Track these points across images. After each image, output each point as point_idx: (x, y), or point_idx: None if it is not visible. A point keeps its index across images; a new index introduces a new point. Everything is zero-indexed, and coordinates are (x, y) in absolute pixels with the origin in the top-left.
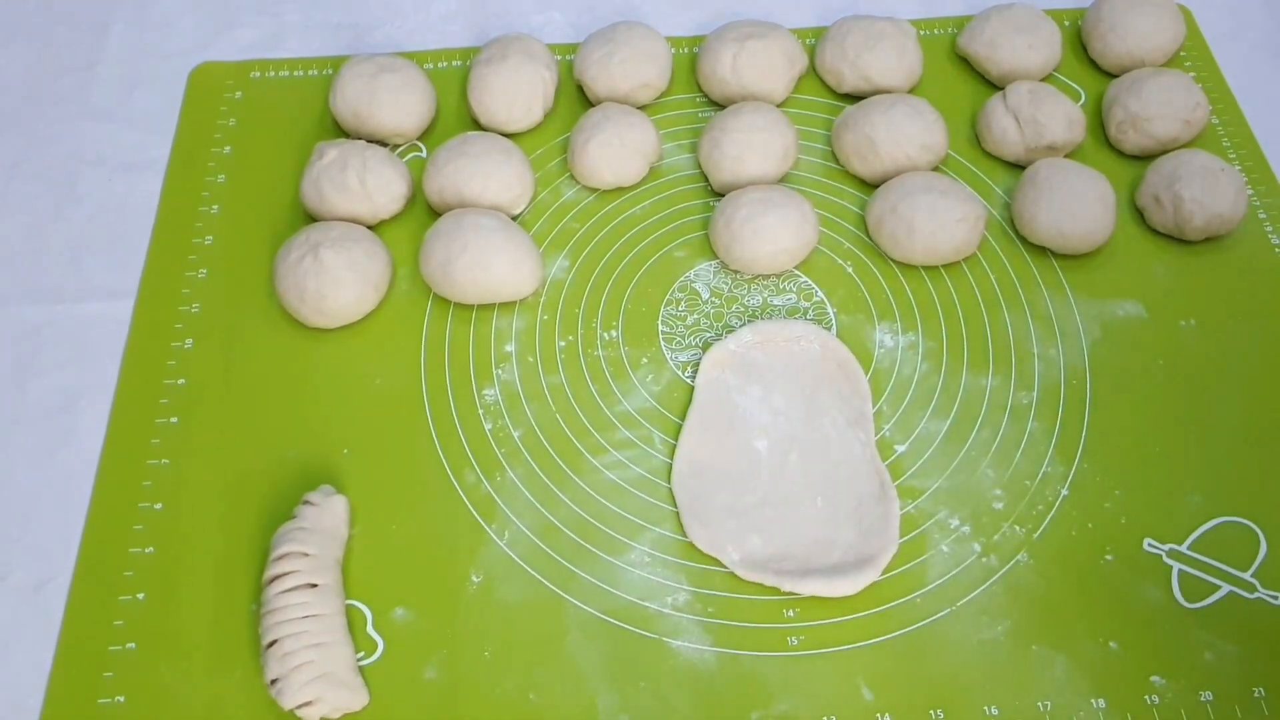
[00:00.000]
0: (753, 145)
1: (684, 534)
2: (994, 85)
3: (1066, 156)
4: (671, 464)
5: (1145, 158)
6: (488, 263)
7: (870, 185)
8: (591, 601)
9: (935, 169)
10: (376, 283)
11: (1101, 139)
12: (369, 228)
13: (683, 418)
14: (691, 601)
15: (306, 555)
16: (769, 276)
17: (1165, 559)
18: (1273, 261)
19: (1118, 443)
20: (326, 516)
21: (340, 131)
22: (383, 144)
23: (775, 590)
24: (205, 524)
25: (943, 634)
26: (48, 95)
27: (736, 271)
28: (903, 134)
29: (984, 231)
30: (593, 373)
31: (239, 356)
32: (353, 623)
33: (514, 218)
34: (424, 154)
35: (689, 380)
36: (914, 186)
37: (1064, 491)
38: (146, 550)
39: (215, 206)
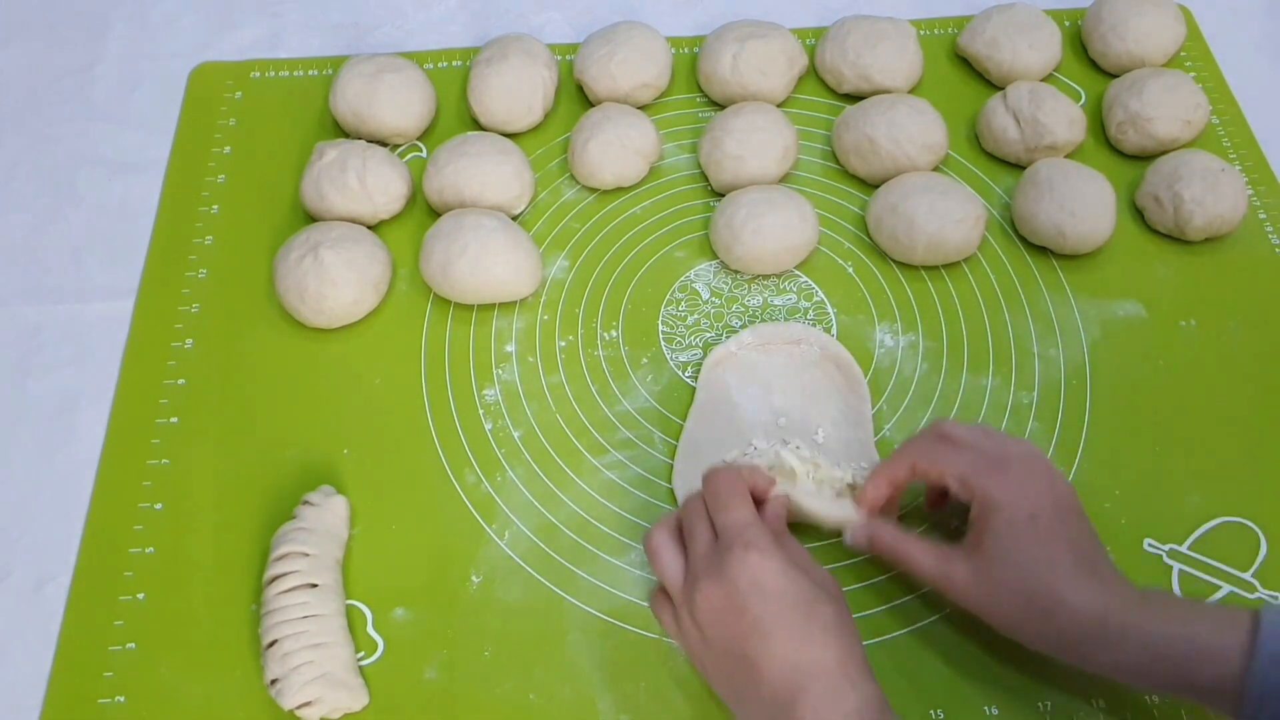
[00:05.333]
0: (753, 145)
1: None
2: (994, 85)
3: (1066, 156)
4: (672, 464)
5: (1145, 158)
6: (488, 263)
7: (870, 185)
8: (591, 601)
9: (935, 169)
10: (376, 283)
11: (1101, 139)
12: (369, 228)
13: (683, 418)
14: None
15: (306, 555)
16: (769, 276)
17: (1165, 559)
18: (1273, 261)
19: (1118, 443)
20: (326, 516)
21: (340, 131)
22: (383, 144)
23: None
24: (205, 524)
25: (943, 634)
26: (48, 95)
27: (736, 271)
28: (903, 134)
29: (984, 231)
30: (593, 373)
31: (239, 356)
32: (353, 623)
33: (514, 218)
34: (424, 154)
35: (689, 380)
36: (914, 186)
37: None
38: (146, 550)
39: (215, 206)
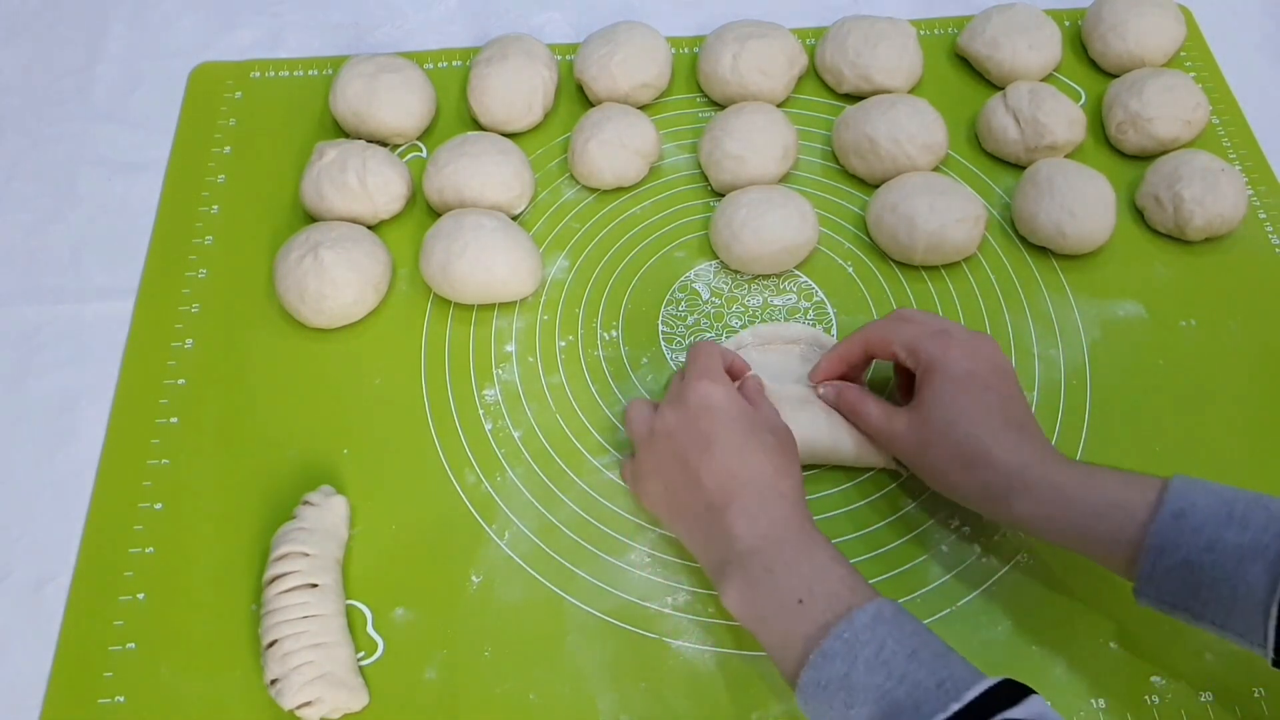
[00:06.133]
0: (753, 145)
1: None
2: (994, 85)
3: (1066, 156)
4: None
5: (1145, 158)
6: (488, 263)
7: (870, 185)
8: (591, 601)
9: (935, 169)
10: (376, 283)
11: (1101, 139)
12: (369, 228)
13: None
14: (691, 601)
15: (306, 555)
16: (769, 276)
17: None
18: (1273, 261)
19: (1118, 443)
20: (326, 516)
21: (340, 131)
22: (383, 144)
23: None
24: (205, 524)
25: (943, 634)
26: (48, 95)
27: (736, 271)
28: (903, 134)
29: (984, 231)
30: (593, 373)
31: (239, 356)
32: (353, 623)
33: (514, 218)
34: (424, 154)
35: None
36: (914, 186)
37: None
38: (146, 550)
39: (215, 206)
